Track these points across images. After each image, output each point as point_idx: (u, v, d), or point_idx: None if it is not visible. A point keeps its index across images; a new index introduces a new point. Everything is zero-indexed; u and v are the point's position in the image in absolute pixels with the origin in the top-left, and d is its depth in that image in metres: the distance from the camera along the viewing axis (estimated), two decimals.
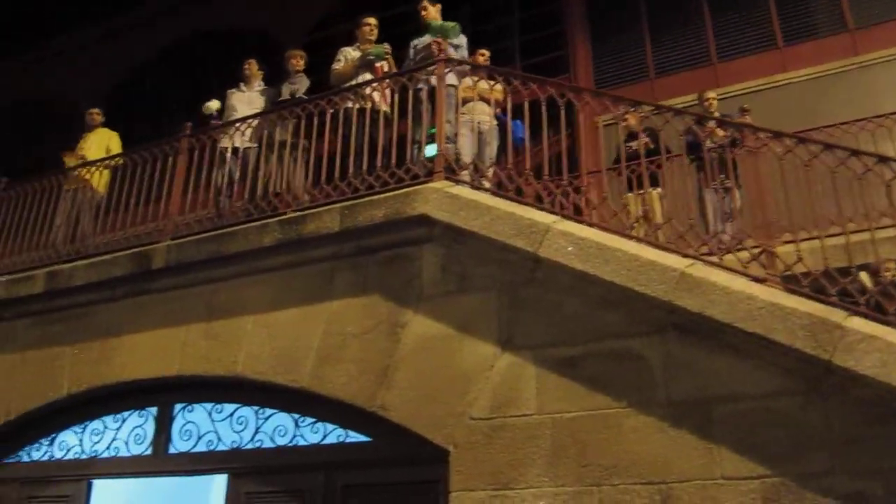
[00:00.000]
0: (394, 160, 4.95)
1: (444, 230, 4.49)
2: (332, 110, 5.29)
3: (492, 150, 5.81)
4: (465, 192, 4.49)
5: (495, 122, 5.91)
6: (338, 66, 5.97)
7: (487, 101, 5.68)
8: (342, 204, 4.79)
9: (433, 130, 5.70)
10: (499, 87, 5.59)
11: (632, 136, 6.38)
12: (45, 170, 11.33)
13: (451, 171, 4.77)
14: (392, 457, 4.40)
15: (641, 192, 5.46)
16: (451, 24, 5.93)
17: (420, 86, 5.31)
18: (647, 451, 3.56)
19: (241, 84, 6.54)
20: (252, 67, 6.54)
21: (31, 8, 12.09)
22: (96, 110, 7.25)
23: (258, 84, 6.53)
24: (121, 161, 6.17)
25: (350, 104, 5.34)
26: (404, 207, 4.56)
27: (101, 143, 6.99)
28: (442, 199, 4.46)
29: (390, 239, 4.65)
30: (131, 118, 11.28)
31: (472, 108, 5.55)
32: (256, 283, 5.04)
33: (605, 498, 3.64)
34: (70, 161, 6.90)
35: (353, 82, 5.66)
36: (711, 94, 7.40)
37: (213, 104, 6.33)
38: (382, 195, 4.69)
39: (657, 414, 3.60)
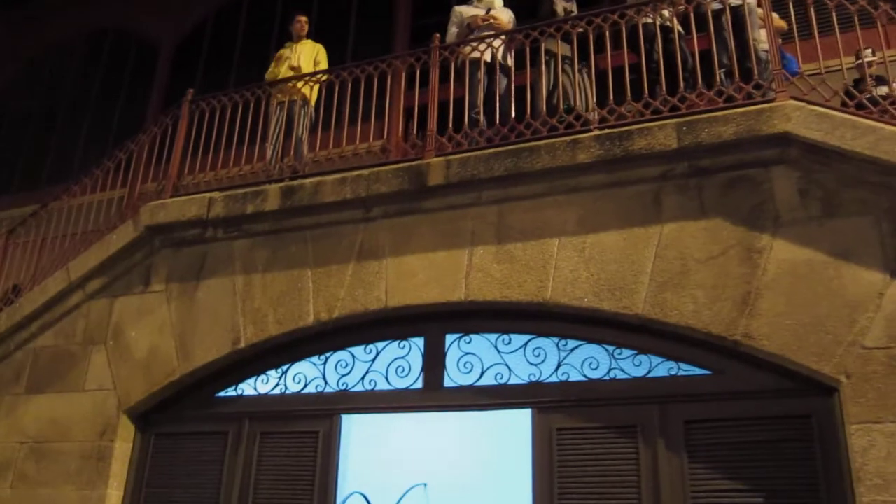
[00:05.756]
0: (719, 79, 4.80)
1: (803, 151, 4.38)
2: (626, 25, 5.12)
3: None
4: (832, 111, 4.36)
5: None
6: None
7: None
8: (677, 120, 4.62)
9: None
10: (775, 15, 5.51)
11: None
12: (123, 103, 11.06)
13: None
14: (746, 390, 4.28)
15: None
16: None
17: (716, 6, 5.16)
18: None
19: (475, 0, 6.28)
20: None
21: None
22: (304, 18, 6.87)
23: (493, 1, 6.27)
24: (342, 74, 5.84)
25: (650, 19, 5.16)
26: (759, 125, 4.43)
27: (309, 54, 6.65)
28: (808, 117, 4.34)
29: (734, 159, 4.54)
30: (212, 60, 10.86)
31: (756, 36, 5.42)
32: (559, 204, 4.87)
33: None
34: (278, 72, 6.55)
35: None
36: None
37: None
38: (729, 111, 4.53)
39: None
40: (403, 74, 5.55)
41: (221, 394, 5.59)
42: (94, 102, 11.53)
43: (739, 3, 5.20)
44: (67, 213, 6.56)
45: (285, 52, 6.81)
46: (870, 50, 6.67)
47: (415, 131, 5.43)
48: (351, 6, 10.25)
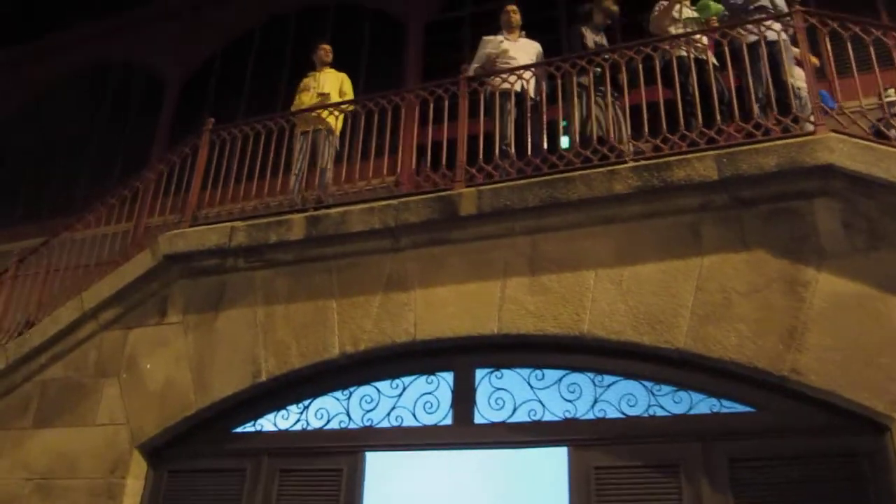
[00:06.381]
0: (755, 112, 4.78)
1: (846, 183, 4.33)
2: (659, 58, 5.12)
3: None
4: (874, 144, 4.33)
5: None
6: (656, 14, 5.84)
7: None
8: (716, 151, 4.58)
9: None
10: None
11: None
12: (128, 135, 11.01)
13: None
14: (792, 427, 4.16)
15: None
16: None
17: (751, 39, 5.16)
18: None
19: (503, 32, 6.27)
20: (515, 16, 6.25)
21: None
22: (327, 47, 6.85)
23: (521, 33, 6.28)
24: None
25: (684, 52, 5.16)
26: (802, 157, 4.38)
27: (335, 83, 6.62)
28: (852, 149, 4.31)
29: (776, 191, 4.49)
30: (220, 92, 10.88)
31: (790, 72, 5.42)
32: (594, 234, 4.80)
33: None
34: (303, 101, 6.50)
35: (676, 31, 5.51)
36: None
37: None
38: (770, 143, 4.49)
39: None
40: (431, 106, 5.46)
41: (239, 429, 5.42)
42: (99, 135, 11.48)
43: (775, 38, 5.20)
44: (80, 245, 6.43)
45: (309, 81, 6.79)
46: (893, 90, 6.73)
47: (444, 163, 5.35)
48: (363, 42, 10.31)
